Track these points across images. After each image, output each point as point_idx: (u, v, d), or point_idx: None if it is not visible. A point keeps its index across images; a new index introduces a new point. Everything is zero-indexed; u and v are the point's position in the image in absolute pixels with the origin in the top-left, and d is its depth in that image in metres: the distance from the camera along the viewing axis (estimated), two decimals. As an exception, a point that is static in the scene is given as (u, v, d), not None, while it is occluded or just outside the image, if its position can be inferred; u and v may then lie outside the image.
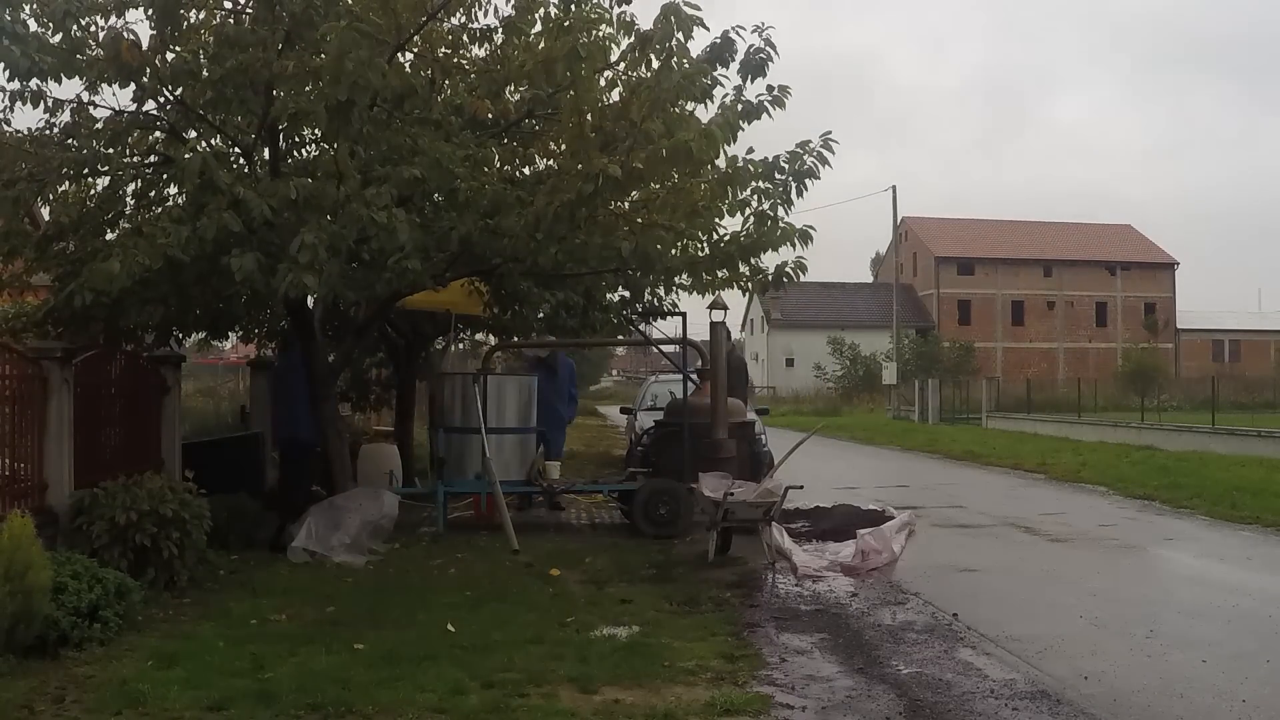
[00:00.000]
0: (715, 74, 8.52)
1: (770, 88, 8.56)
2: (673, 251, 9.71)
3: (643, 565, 9.10)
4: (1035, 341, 63.33)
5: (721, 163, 8.58)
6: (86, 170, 9.24)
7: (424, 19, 8.73)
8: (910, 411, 39.87)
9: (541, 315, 11.07)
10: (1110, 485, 15.94)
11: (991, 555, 10.24)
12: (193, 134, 9.20)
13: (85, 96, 8.71)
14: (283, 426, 10.60)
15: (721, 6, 9.35)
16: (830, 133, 8.77)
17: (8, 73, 7.64)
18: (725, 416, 11.22)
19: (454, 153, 8.54)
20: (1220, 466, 17.48)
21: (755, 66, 8.58)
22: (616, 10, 8.63)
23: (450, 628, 6.73)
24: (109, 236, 9.46)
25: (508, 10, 9.52)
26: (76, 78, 8.21)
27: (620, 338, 14.71)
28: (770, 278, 9.55)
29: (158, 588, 7.46)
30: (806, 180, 8.81)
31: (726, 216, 9.58)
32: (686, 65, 7.95)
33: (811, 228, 8.87)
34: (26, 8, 7.96)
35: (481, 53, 10.06)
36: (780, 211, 8.98)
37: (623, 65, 8.76)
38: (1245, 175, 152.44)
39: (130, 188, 9.85)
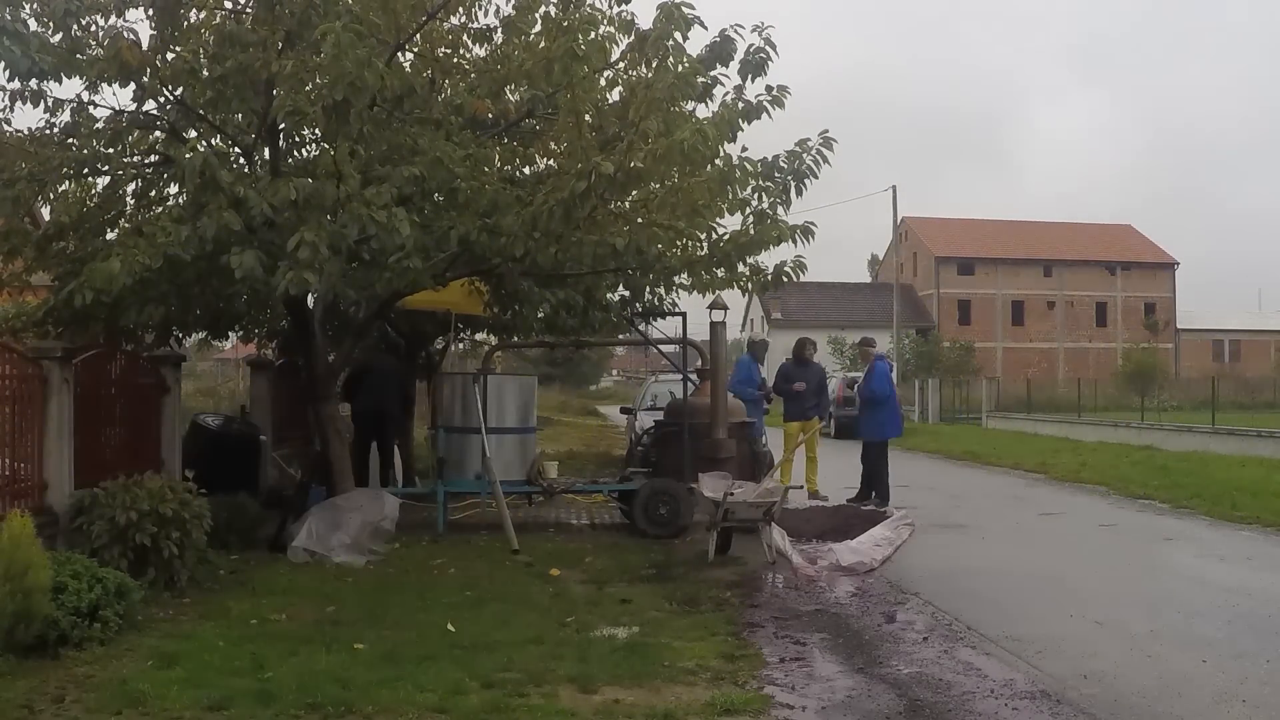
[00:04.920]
0: (715, 73, 8.53)
1: (769, 87, 8.56)
2: (672, 251, 9.70)
3: (643, 565, 9.10)
4: (1035, 341, 63.32)
5: (720, 162, 8.59)
6: (86, 170, 9.25)
7: (424, 19, 8.73)
8: (910, 411, 39.87)
9: (541, 315, 11.07)
10: (1110, 485, 15.93)
11: (991, 555, 10.23)
12: (193, 134, 9.20)
13: (85, 96, 8.72)
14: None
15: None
16: (828, 131, 8.77)
17: (8, 72, 7.64)
18: (725, 416, 11.22)
19: (454, 152, 8.54)
20: (1220, 466, 17.47)
21: (755, 66, 8.58)
22: (615, 10, 8.65)
23: (450, 628, 6.72)
24: (109, 236, 9.47)
25: (508, 10, 9.55)
26: (77, 77, 8.21)
27: (620, 338, 14.69)
28: (770, 277, 9.55)
29: (158, 588, 7.45)
30: (806, 179, 8.81)
31: (726, 215, 9.58)
32: (685, 65, 7.96)
33: (812, 224, 8.88)
34: (27, 7, 7.97)
35: (481, 52, 10.07)
36: (779, 210, 8.99)
37: (622, 65, 8.77)
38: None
39: (130, 187, 9.86)
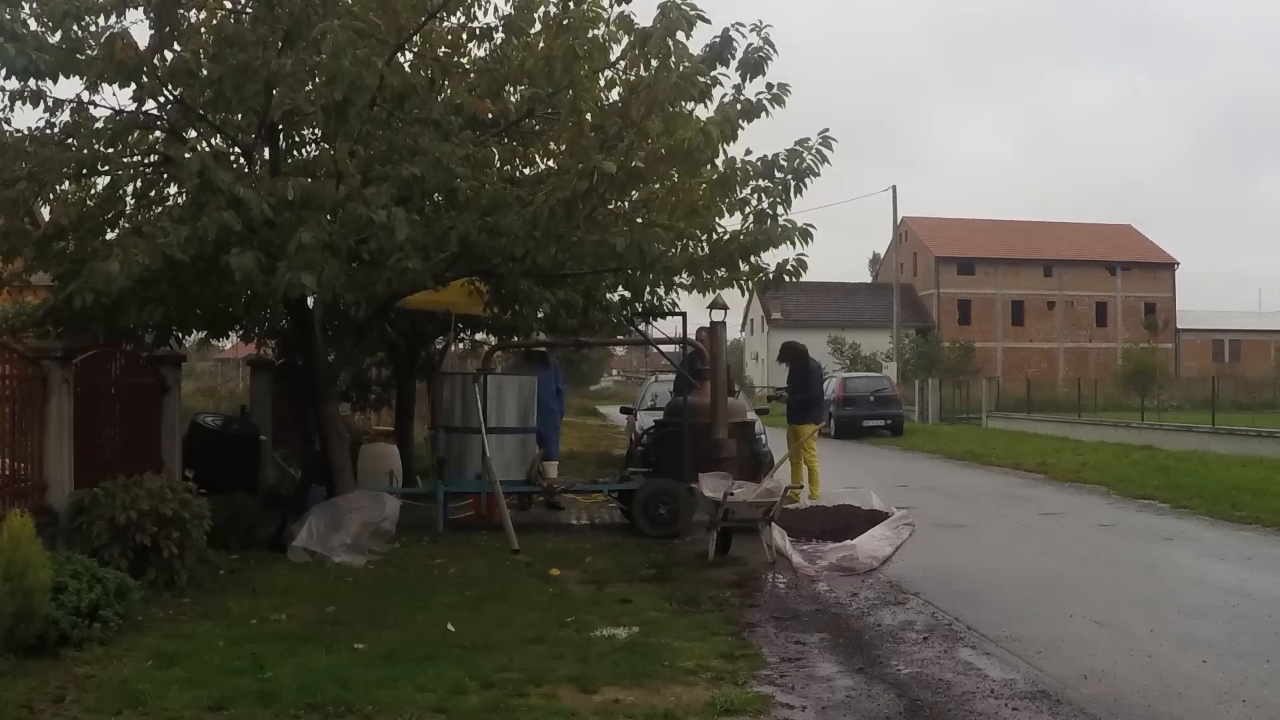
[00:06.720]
0: (715, 73, 8.51)
1: (769, 86, 8.55)
2: (672, 251, 9.70)
3: (643, 565, 9.09)
4: (1035, 341, 63.31)
5: (720, 161, 8.57)
6: (86, 170, 9.24)
7: (424, 18, 8.73)
8: (910, 411, 39.86)
9: (541, 315, 11.06)
10: (1110, 485, 15.92)
11: (992, 555, 10.24)
12: (192, 133, 9.20)
13: (85, 96, 8.72)
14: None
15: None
16: (828, 130, 8.75)
17: (7, 72, 7.64)
18: (725, 416, 11.22)
19: (454, 152, 8.54)
20: (1220, 466, 17.46)
21: (754, 65, 8.56)
22: (616, 9, 8.63)
23: (450, 628, 6.72)
24: (109, 236, 9.46)
25: (507, 9, 9.54)
26: (76, 77, 8.21)
27: (620, 338, 14.69)
28: (770, 277, 9.54)
29: (158, 588, 7.45)
30: (806, 179, 8.79)
31: (726, 215, 9.57)
32: (685, 64, 7.95)
33: (811, 225, 8.86)
34: (26, 7, 7.97)
35: (481, 52, 10.07)
36: (780, 210, 8.98)
37: (623, 64, 8.76)
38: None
39: (130, 187, 9.85)
